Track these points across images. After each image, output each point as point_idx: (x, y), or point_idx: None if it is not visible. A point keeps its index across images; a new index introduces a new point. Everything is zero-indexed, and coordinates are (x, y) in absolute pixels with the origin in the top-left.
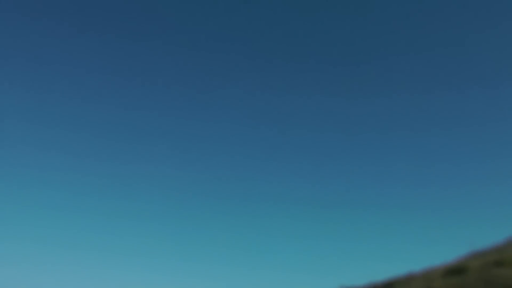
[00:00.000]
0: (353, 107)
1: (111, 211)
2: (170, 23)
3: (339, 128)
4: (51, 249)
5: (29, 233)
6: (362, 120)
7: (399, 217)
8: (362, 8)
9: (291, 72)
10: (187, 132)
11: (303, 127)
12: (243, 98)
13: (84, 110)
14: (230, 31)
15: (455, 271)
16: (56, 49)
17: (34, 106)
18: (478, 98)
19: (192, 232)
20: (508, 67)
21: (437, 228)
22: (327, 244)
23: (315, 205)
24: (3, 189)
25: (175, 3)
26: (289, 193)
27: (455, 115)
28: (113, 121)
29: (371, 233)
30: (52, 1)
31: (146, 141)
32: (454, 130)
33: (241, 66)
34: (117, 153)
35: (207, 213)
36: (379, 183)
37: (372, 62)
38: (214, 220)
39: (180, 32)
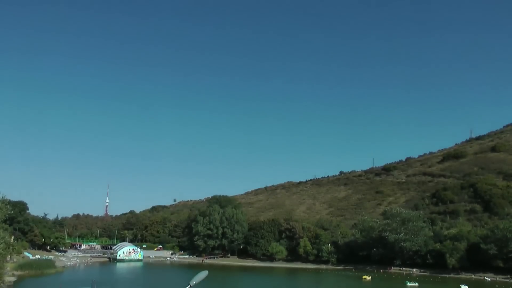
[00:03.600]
0: None
1: None
2: None
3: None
4: None
5: None
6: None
7: (398, 104)
8: None
9: None
10: None
11: None
12: None
13: None
14: None
15: (452, 156)
16: None
17: None
18: None
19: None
20: None
21: (436, 115)
22: (328, 132)
23: (317, 99)
24: None
25: None
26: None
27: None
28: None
29: (371, 119)
30: None
31: None
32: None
33: None
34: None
35: None
36: (378, 70)
37: None
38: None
39: None
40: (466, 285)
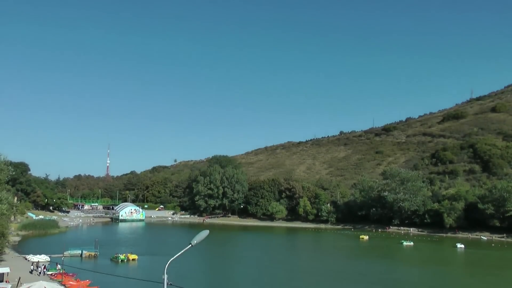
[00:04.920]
0: None
1: None
2: None
3: None
4: None
5: None
6: None
7: (398, 64)
8: None
9: None
10: None
11: None
12: None
13: None
14: None
15: (452, 116)
16: None
17: None
18: None
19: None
20: None
21: (437, 74)
22: (328, 91)
23: (319, 61)
24: None
25: None
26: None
27: None
28: None
29: (371, 80)
30: None
31: None
32: None
33: None
34: None
35: None
36: (379, 28)
37: None
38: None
39: None
40: (462, 244)
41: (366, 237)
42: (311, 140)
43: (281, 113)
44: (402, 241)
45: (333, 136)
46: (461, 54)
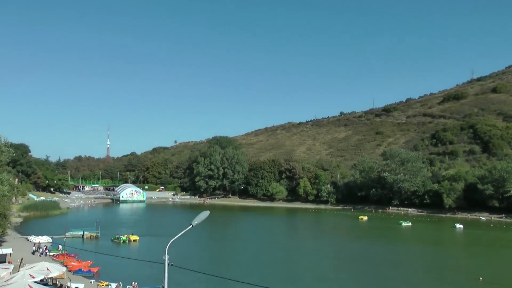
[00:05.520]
0: None
1: None
2: None
3: None
4: None
5: None
6: None
7: (398, 44)
8: None
9: None
10: None
11: None
12: None
13: None
14: None
15: (453, 97)
16: None
17: None
18: None
19: None
20: None
21: (437, 55)
22: (328, 72)
23: (322, 45)
24: None
25: None
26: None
27: None
28: None
29: (372, 60)
30: None
31: None
32: None
33: None
34: None
35: None
36: (379, 9)
37: None
38: None
39: None
40: (461, 224)
41: (365, 218)
42: (311, 120)
43: (281, 93)
44: (401, 221)
45: (333, 116)
46: (462, 34)
